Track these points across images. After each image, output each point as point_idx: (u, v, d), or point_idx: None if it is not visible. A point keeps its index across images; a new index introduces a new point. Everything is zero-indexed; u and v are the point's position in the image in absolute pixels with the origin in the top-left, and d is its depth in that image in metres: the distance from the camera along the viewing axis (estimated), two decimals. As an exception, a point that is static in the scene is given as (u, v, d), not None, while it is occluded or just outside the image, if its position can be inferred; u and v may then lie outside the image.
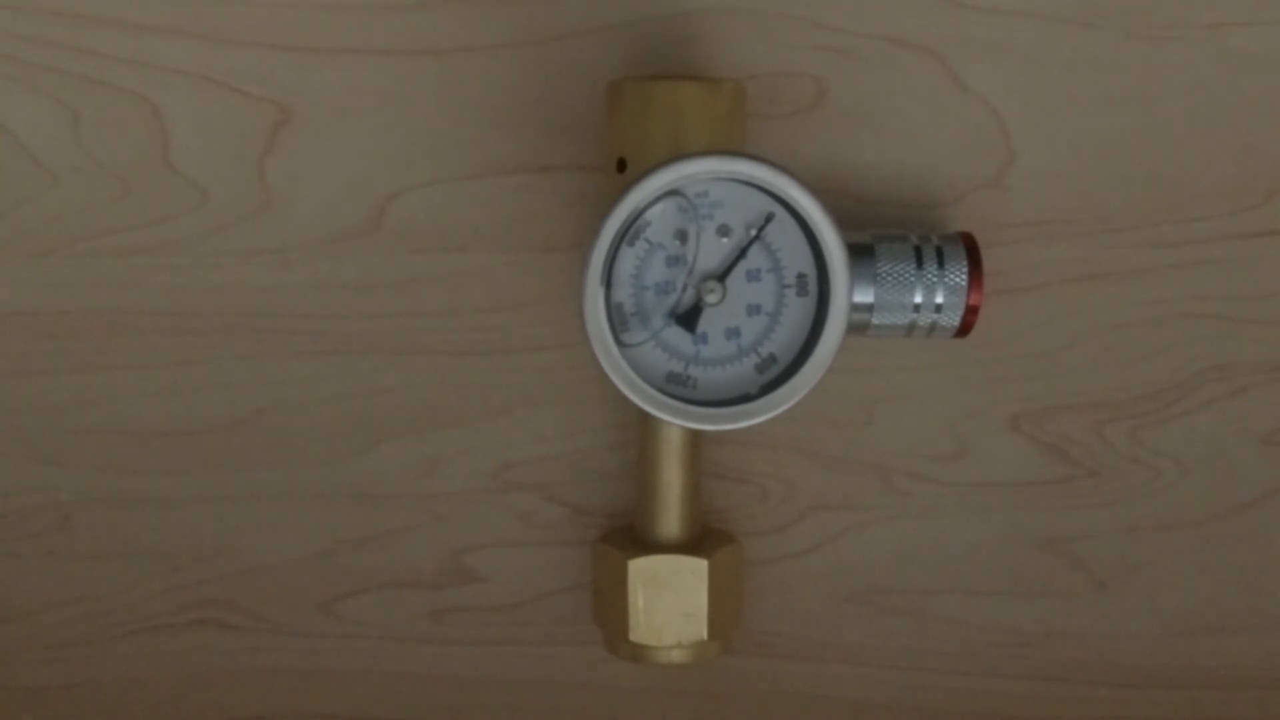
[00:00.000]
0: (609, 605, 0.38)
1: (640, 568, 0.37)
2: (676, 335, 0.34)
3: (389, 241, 0.40)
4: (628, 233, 0.34)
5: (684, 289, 0.34)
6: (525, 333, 0.41)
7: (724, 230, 0.34)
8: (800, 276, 0.34)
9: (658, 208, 0.34)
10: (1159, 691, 0.43)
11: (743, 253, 0.34)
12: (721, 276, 0.34)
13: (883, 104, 0.39)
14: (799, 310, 0.35)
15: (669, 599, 0.37)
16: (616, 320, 0.34)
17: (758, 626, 0.43)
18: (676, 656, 0.38)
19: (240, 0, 0.39)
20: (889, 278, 0.36)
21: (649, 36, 0.39)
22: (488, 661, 0.43)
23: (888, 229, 0.38)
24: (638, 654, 0.38)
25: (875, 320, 0.37)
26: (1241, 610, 0.43)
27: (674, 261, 0.34)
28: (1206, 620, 0.43)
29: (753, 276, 0.34)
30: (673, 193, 0.34)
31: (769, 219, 0.34)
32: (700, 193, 0.34)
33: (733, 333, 0.35)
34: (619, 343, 0.34)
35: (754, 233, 0.34)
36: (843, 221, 0.34)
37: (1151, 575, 0.42)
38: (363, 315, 0.41)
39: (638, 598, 0.37)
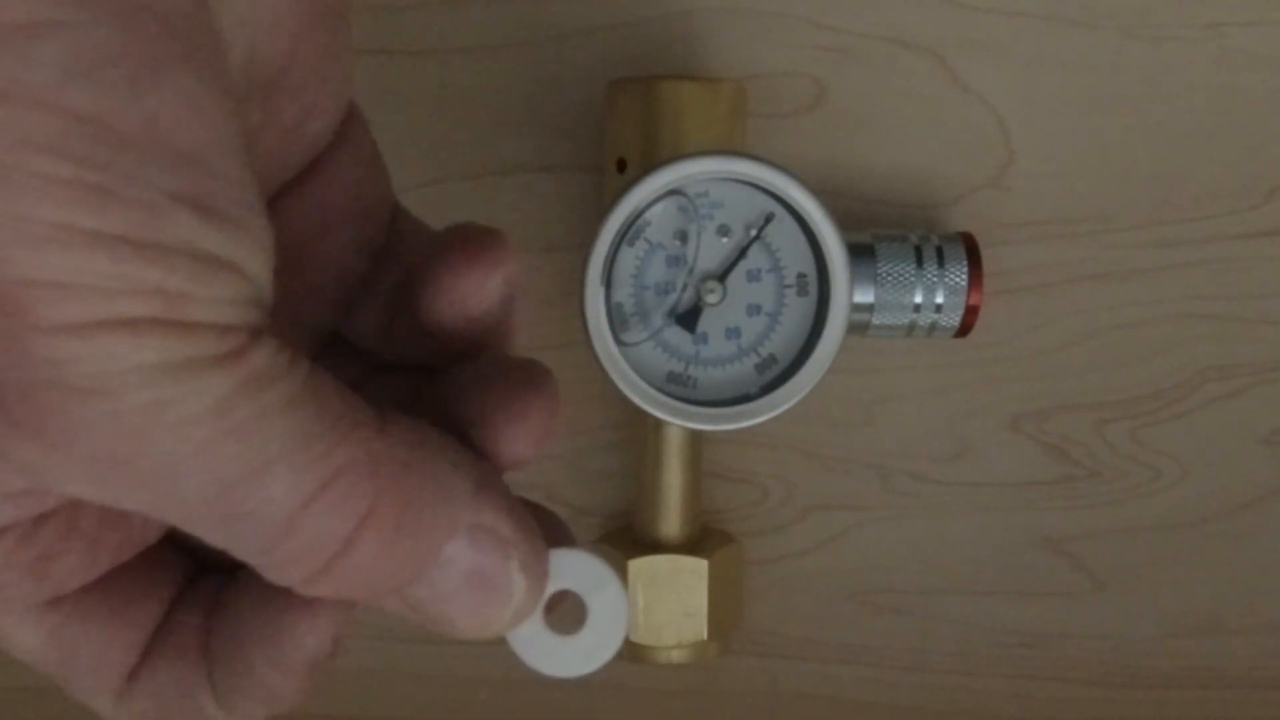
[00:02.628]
0: None
1: (640, 568, 0.37)
2: (676, 335, 0.34)
3: (389, 241, 0.40)
4: (628, 233, 0.34)
5: (684, 289, 0.34)
6: (525, 333, 0.41)
7: (724, 230, 0.34)
8: (800, 276, 0.34)
9: (658, 208, 0.34)
10: (1159, 691, 0.43)
11: (743, 253, 0.34)
12: (721, 276, 0.34)
13: (883, 104, 0.39)
14: (799, 310, 0.35)
15: (669, 599, 0.37)
16: (616, 320, 0.34)
17: (758, 626, 0.43)
18: (676, 656, 0.38)
19: (240, 0, 0.39)
20: (889, 278, 0.36)
21: (649, 36, 0.39)
22: (488, 661, 0.43)
23: (888, 229, 0.38)
24: (638, 654, 0.38)
25: (875, 320, 0.37)
26: (1241, 610, 0.43)
27: (674, 261, 0.34)
28: (1206, 620, 0.43)
29: (753, 276, 0.34)
30: (673, 193, 0.34)
31: (769, 219, 0.34)
32: (700, 193, 0.34)
33: (733, 333, 0.35)
34: (619, 342, 0.34)
35: (754, 233, 0.34)
36: (843, 221, 0.34)
37: (1151, 575, 0.42)
38: (363, 315, 0.41)
39: (638, 598, 0.37)
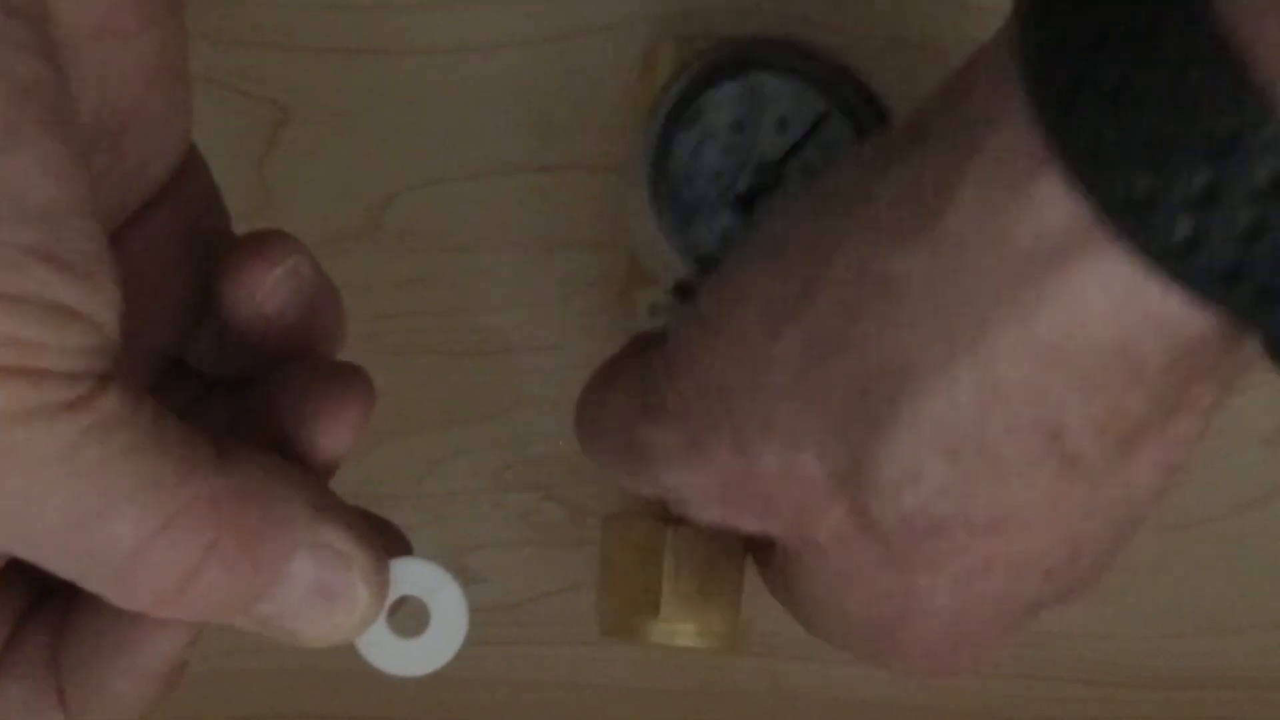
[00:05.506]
0: (622, 581, 0.37)
1: (678, 540, 0.35)
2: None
3: (389, 241, 0.40)
4: (684, 115, 0.33)
5: (742, 170, 0.33)
6: (525, 333, 0.41)
7: (782, 125, 0.34)
8: None
9: (717, 93, 0.33)
10: (1159, 691, 0.43)
11: (799, 145, 0.33)
12: (778, 167, 0.33)
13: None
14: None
15: (699, 575, 0.35)
16: (668, 208, 0.33)
17: (758, 626, 0.43)
18: (697, 640, 0.36)
19: (240, 0, 0.39)
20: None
21: (649, 37, 0.39)
22: (488, 661, 0.43)
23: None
24: (650, 632, 0.36)
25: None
26: (1242, 610, 0.43)
27: (731, 149, 0.33)
28: (1206, 620, 0.43)
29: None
30: (735, 76, 0.33)
31: (824, 117, 0.34)
32: (759, 84, 0.33)
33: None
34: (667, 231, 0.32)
35: (809, 128, 0.33)
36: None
37: (1151, 575, 0.42)
38: (363, 315, 0.41)
39: (672, 567, 0.35)
